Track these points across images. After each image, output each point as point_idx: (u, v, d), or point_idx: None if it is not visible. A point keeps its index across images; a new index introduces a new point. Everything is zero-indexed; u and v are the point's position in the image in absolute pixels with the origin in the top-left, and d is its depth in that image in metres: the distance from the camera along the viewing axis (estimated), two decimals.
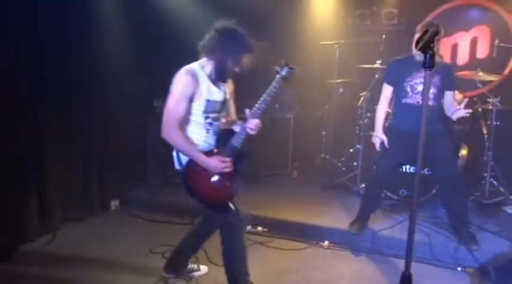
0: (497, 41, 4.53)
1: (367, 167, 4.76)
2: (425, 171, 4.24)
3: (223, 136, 2.61)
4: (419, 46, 1.67)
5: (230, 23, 2.48)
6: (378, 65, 4.74)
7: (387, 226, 3.79)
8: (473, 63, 5.54)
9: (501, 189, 4.43)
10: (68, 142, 3.92)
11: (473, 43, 5.64)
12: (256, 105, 2.53)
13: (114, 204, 4.49)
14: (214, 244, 2.82)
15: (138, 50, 4.55)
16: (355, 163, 5.05)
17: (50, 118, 3.70)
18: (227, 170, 2.54)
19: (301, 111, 5.69)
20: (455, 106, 3.48)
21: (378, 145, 3.64)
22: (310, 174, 5.48)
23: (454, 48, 5.76)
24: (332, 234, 3.74)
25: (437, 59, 3.33)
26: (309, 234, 3.79)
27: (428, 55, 1.65)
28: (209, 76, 2.52)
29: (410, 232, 1.69)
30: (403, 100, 3.52)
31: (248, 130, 2.56)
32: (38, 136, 3.61)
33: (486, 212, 4.18)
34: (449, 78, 3.50)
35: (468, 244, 3.42)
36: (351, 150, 5.25)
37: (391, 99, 3.70)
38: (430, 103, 3.46)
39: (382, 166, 3.76)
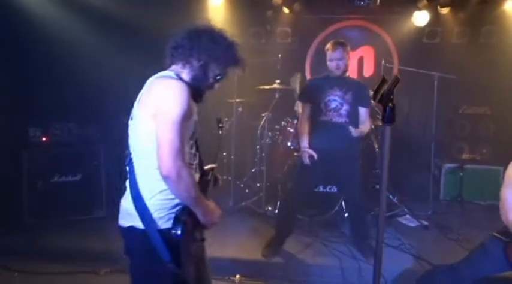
0: (383, 61, 4.81)
1: (271, 188, 4.65)
2: (328, 189, 4.28)
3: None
4: (378, 98, 1.45)
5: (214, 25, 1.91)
6: (276, 84, 4.69)
7: (297, 251, 3.69)
8: (361, 81, 5.86)
9: (394, 201, 4.67)
10: None
11: (360, 62, 5.97)
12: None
13: None
14: None
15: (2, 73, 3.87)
16: (258, 185, 4.93)
17: None
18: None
19: (200, 131, 5.41)
20: (364, 123, 3.54)
21: (306, 159, 3.49)
22: (214, 197, 5.13)
23: None
24: (243, 266, 3.51)
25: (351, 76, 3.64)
26: (218, 269, 3.45)
27: (388, 108, 1.43)
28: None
29: (377, 259, 1.47)
30: (319, 119, 3.54)
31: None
32: None
33: (386, 225, 4.34)
34: (361, 94, 3.55)
35: (369, 257, 3.49)
36: (253, 170, 5.14)
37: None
38: (343, 120, 3.49)
39: (300, 185, 3.64)
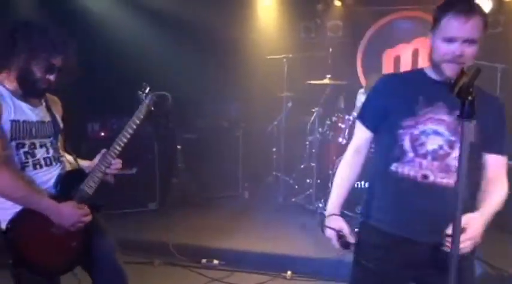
0: None
1: (322, 184, 4.58)
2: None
3: (66, 179, 1.97)
4: (456, 91, 1.26)
5: (23, 19, 1.95)
6: (327, 79, 4.60)
7: (349, 250, 3.60)
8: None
9: None
10: None
11: (415, 54, 5.73)
12: (116, 141, 2.02)
13: None
14: None
15: None
16: (308, 181, 4.87)
17: None
18: (86, 221, 1.92)
19: (249, 127, 5.43)
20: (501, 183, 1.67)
21: (335, 241, 1.75)
22: (263, 194, 5.21)
23: (397, 60, 5.82)
24: (294, 263, 3.48)
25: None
26: (269, 264, 3.49)
27: (467, 102, 1.22)
28: (14, 93, 1.86)
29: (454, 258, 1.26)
30: (392, 167, 1.64)
31: (109, 171, 2.05)
32: None
33: None
34: (496, 127, 1.69)
35: None
36: (302, 166, 5.08)
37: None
38: (451, 180, 1.58)
39: None
